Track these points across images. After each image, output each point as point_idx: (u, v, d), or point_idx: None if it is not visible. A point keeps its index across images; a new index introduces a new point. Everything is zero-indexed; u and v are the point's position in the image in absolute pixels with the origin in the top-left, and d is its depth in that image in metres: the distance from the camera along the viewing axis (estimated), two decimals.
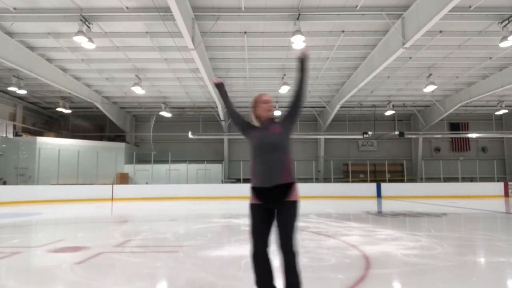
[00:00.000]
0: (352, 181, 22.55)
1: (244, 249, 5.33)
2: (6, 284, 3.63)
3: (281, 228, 2.56)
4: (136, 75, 16.19)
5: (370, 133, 21.33)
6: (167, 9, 9.51)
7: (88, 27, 10.72)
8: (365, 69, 14.69)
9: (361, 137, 22.04)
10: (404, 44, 10.72)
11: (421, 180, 23.85)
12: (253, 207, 2.72)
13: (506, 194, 19.69)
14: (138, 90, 16.88)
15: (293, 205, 2.63)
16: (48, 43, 12.96)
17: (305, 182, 22.45)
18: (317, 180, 23.95)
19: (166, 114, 21.78)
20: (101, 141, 23.11)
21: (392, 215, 10.71)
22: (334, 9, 10.69)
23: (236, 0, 10.27)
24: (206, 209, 13.06)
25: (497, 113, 22.74)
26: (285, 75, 16.13)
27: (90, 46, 11.39)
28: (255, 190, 2.71)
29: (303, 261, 4.50)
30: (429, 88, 16.50)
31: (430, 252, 5.00)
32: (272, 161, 2.65)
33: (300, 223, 8.36)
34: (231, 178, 24.28)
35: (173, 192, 19.28)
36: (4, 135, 19.66)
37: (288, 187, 2.65)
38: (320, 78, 17.09)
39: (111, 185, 18.91)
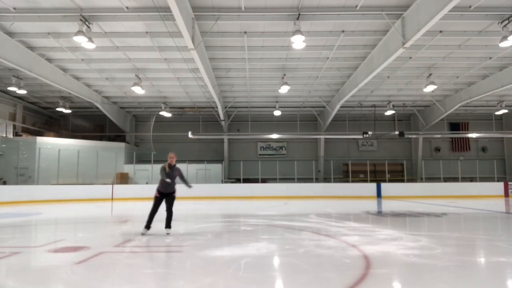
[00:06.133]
0: (352, 181, 22.55)
1: (244, 249, 5.33)
2: (6, 284, 3.63)
3: None
4: (136, 75, 16.19)
5: (370, 133, 21.33)
6: (167, 9, 9.51)
7: (88, 27, 10.71)
8: (365, 69, 14.68)
9: (361, 137, 22.03)
10: (404, 44, 10.71)
11: (421, 180, 23.85)
12: None
13: (506, 194, 19.69)
14: (138, 90, 16.88)
15: None
16: (48, 43, 12.95)
17: (305, 182, 22.46)
18: (317, 180, 23.95)
19: (166, 114, 21.79)
20: (101, 141, 23.11)
21: (392, 215, 10.71)
22: (334, 9, 10.68)
23: (236, 0, 10.26)
24: (206, 209, 13.05)
25: (497, 113, 22.73)
26: (285, 75, 16.12)
27: (90, 46, 11.38)
28: None
29: (303, 261, 4.49)
30: (429, 88, 16.49)
31: (430, 252, 5.00)
32: None
33: (300, 223, 8.37)
34: (231, 178, 24.28)
35: None
36: (4, 135, 19.66)
37: None
38: (320, 78, 17.08)
39: (111, 185, 18.91)
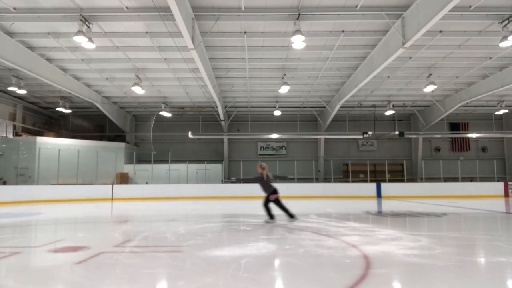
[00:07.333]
0: (352, 181, 22.55)
1: (244, 249, 5.33)
2: (6, 284, 3.62)
3: None
4: (136, 75, 16.19)
5: (370, 133, 21.33)
6: (167, 9, 9.51)
7: (88, 27, 10.72)
8: (365, 69, 14.69)
9: (361, 137, 22.04)
10: (404, 44, 10.72)
11: (421, 180, 23.85)
12: None
13: (506, 194, 19.68)
14: (138, 90, 16.88)
15: None
16: (48, 43, 12.96)
17: (305, 182, 22.45)
18: (317, 180, 23.95)
19: (166, 114, 21.79)
20: (101, 141, 23.12)
21: (392, 215, 10.70)
22: (334, 9, 10.69)
23: (236, 0, 10.27)
24: (206, 209, 13.05)
25: (497, 113, 22.75)
26: (285, 75, 16.13)
27: (90, 46, 11.39)
28: None
29: (303, 261, 4.49)
30: (429, 88, 16.50)
31: (430, 252, 5.00)
32: None
33: (300, 223, 8.36)
34: (231, 178, 24.30)
35: (173, 192, 19.28)
36: (4, 135, 19.66)
37: None
38: (320, 78, 17.09)
39: (111, 185, 18.91)
